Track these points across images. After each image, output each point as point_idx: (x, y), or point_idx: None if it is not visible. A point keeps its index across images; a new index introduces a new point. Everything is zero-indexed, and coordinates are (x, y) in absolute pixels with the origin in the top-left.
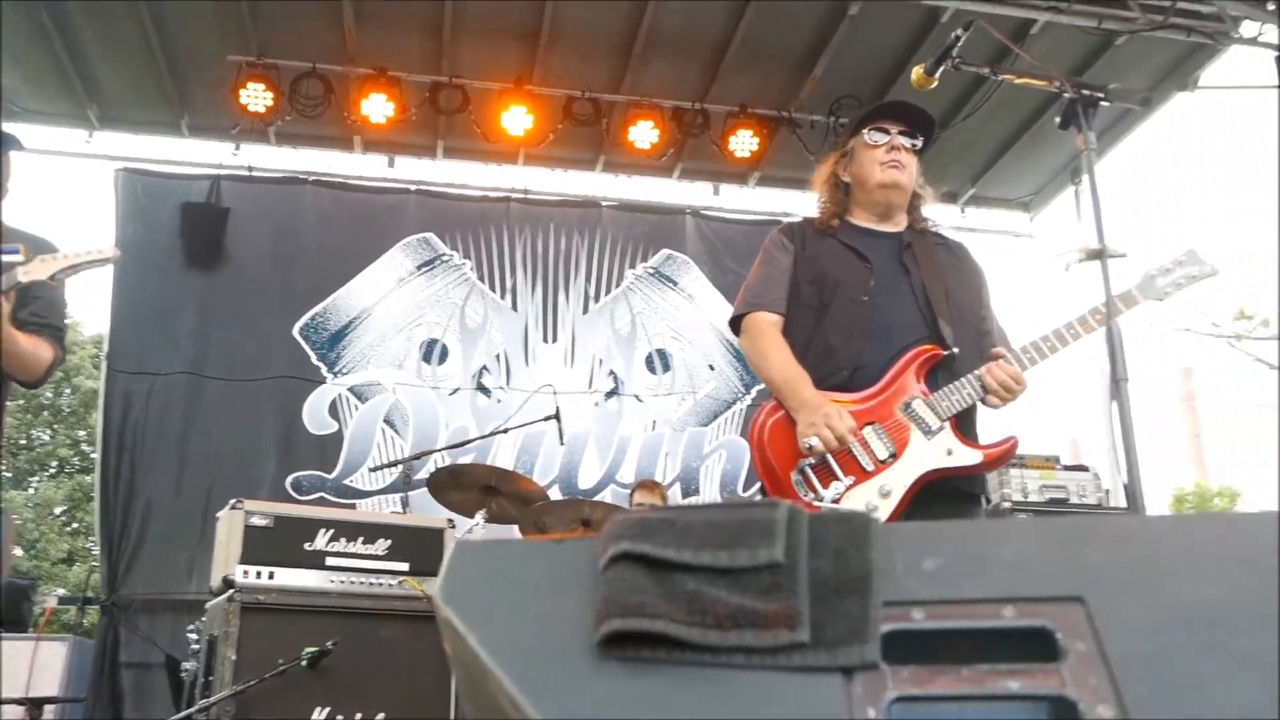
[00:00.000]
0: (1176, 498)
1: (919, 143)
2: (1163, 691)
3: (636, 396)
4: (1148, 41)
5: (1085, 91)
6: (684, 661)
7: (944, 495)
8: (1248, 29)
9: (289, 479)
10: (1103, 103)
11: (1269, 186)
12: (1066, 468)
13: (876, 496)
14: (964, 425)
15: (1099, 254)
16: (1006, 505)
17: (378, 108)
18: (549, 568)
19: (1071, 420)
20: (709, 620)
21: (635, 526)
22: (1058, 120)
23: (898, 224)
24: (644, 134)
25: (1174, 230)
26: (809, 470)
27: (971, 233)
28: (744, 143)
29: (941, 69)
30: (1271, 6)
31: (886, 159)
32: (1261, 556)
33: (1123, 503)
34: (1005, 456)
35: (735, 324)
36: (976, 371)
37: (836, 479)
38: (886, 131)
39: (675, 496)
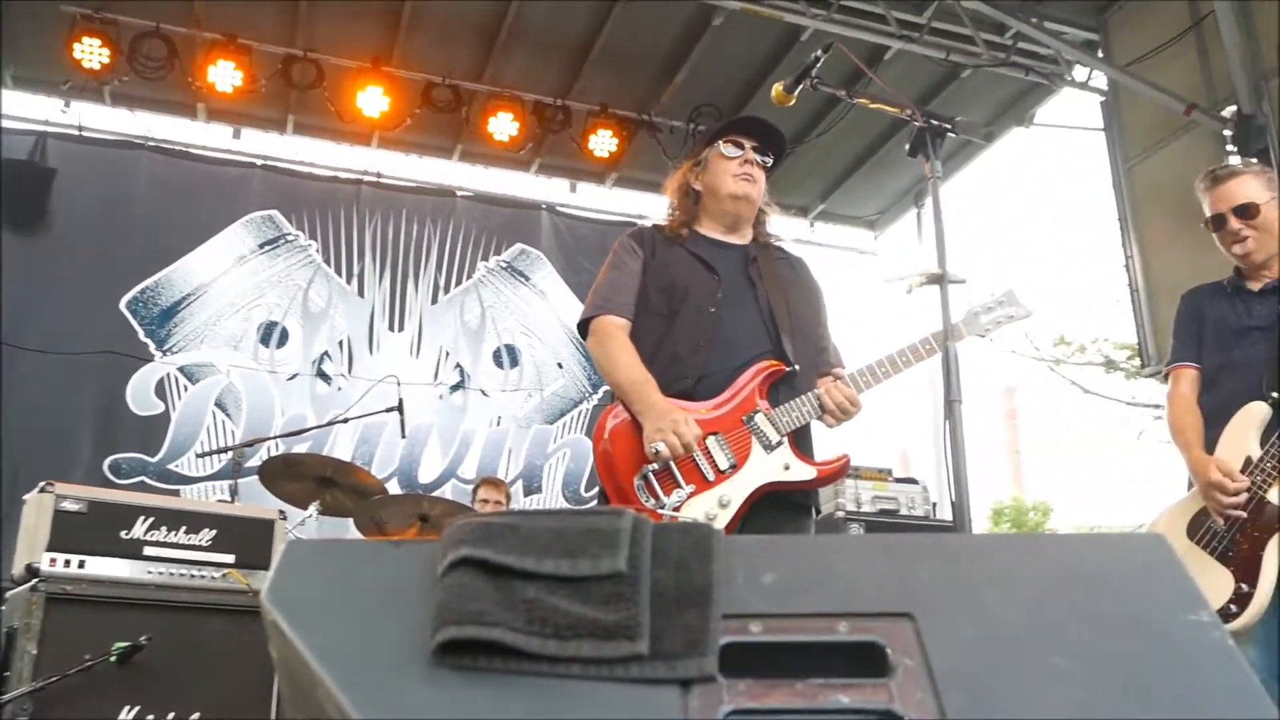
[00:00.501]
0: (995, 510)
1: (770, 160)
2: (980, 705)
3: (482, 391)
4: (990, 77)
5: (934, 121)
6: (520, 671)
7: (778, 506)
8: (1079, 73)
9: (107, 461)
10: (949, 134)
11: (1095, 222)
12: (898, 480)
13: (716, 506)
14: (801, 441)
15: (939, 279)
16: (840, 515)
17: (225, 76)
18: (385, 571)
19: (903, 430)
20: (548, 630)
21: (476, 531)
22: (907, 147)
23: (744, 236)
24: (504, 126)
25: (1005, 258)
26: (652, 476)
27: (819, 247)
28: (603, 142)
29: (800, 87)
30: (1101, 55)
31: (739, 171)
32: (1073, 575)
33: (949, 515)
34: (838, 474)
35: (583, 326)
36: (816, 391)
37: (679, 486)
38: (741, 145)
39: (517, 494)
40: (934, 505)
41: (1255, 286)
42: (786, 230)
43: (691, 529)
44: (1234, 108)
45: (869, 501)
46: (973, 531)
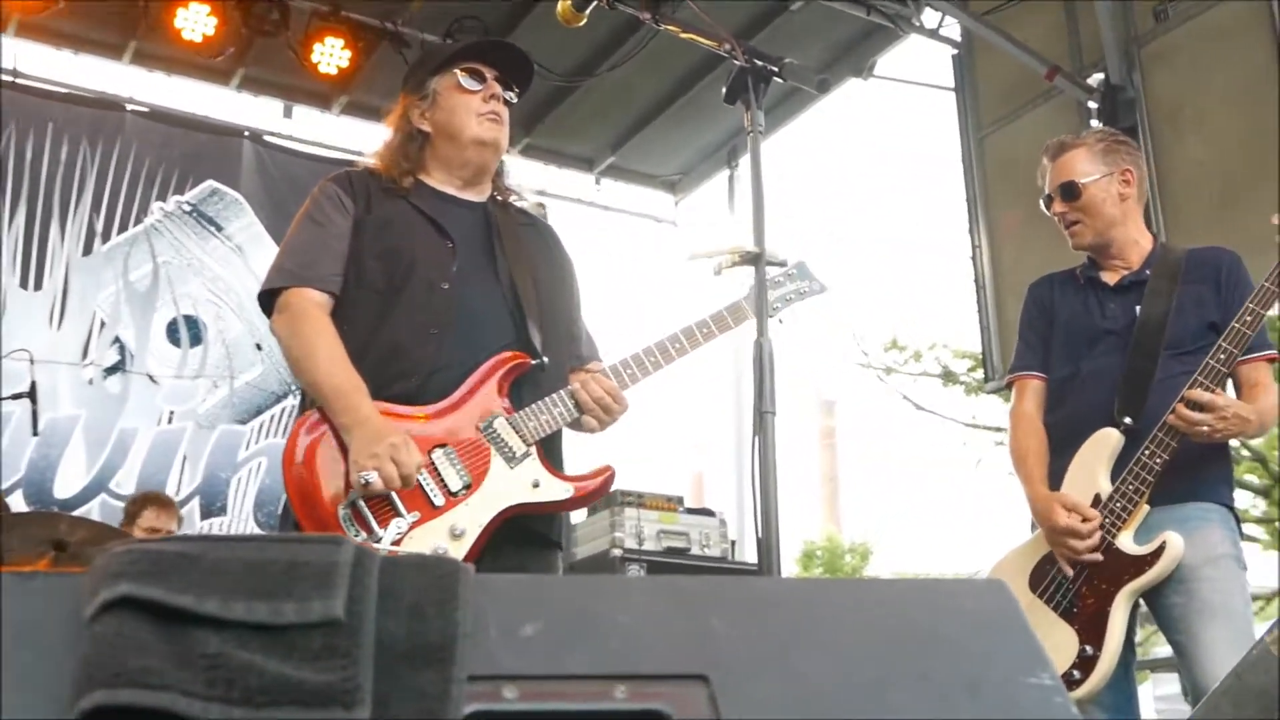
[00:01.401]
0: (806, 552)
1: (514, 96)
2: None
3: (150, 376)
4: (825, 13)
5: (758, 62)
6: None
7: (517, 539)
8: (930, 18)
9: None
10: (776, 78)
11: (941, 201)
12: (689, 510)
13: (446, 538)
14: (550, 452)
15: (756, 259)
16: (617, 553)
17: None
18: (10, 613)
19: (698, 449)
20: (235, 694)
21: (141, 562)
22: (723, 91)
23: (481, 192)
24: (196, 21)
25: (832, 236)
26: (362, 504)
27: (607, 211)
28: (332, 54)
29: (593, 4)
30: None
31: (484, 110)
32: (899, 629)
33: (752, 555)
34: (600, 491)
35: (267, 300)
36: (569, 387)
37: (398, 515)
38: (482, 77)
39: (193, 516)
40: (733, 543)
41: (1110, 280)
42: (567, 188)
43: (431, 565)
44: (1101, 75)
45: (653, 537)
46: (781, 575)
